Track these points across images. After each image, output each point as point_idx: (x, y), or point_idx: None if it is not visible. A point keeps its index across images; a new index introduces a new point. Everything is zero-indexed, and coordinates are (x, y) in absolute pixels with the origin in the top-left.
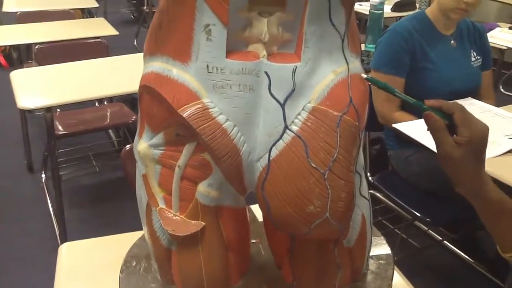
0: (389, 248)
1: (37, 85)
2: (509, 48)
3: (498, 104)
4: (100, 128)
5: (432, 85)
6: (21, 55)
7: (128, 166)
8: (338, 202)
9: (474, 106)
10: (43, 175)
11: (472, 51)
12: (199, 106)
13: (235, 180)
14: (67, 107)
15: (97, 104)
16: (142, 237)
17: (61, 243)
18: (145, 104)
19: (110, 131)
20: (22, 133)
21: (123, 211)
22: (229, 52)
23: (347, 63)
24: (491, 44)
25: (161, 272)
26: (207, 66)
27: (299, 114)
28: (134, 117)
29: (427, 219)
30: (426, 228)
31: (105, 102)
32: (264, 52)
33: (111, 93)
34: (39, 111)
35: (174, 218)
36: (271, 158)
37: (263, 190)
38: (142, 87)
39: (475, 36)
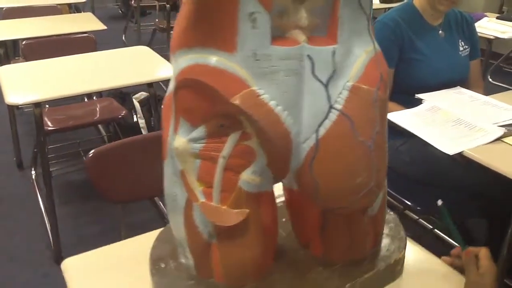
0: (392, 212)
1: (25, 81)
2: (496, 38)
3: (486, 94)
4: (90, 124)
5: (421, 75)
6: (8, 51)
7: (92, 171)
8: (379, 170)
9: (463, 95)
10: (33, 172)
11: (460, 40)
12: (251, 93)
13: (281, 164)
14: (56, 103)
15: (86, 99)
16: (160, 238)
17: (53, 240)
18: (183, 99)
19: (100, 126)
20: (10, 130)
21: (114, 206)
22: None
23: (373, 43)
24: (479, 34)
25: (199, 267)
26: (254, 54)
27: (340, 93)
28: (123, 112)
29: (418, 208)
30: (417, 217)
31: (94, 97)
32: (304, 37)
33: (100, 87)
34: (27, 107)
35: (218, 209)
36: (318, 138)
37: (311, 169)
38: (182, 81)
39: (463, 25)
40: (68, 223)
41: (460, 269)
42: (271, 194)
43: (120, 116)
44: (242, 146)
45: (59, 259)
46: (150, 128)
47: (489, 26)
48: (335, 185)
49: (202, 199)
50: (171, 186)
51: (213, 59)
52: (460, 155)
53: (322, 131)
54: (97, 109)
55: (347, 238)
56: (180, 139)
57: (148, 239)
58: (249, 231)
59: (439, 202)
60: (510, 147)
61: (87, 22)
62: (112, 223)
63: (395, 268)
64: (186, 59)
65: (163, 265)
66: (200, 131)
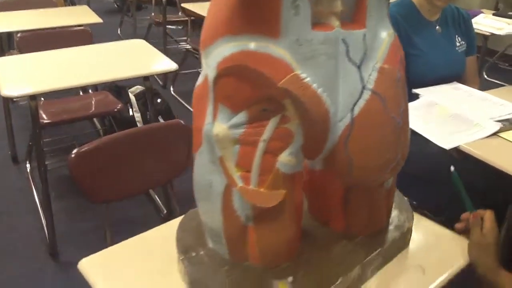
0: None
1: (20, 74)
2: (492, 34)
3: (482, 90)
4: (85, 117)
5: (417, 71)
6: (3, 44)
7: (76, 171)
8: (404, 145)
9: (459, 91)
10: (27, 166)
11: (457, 36)
12: (296, 77)
13: (318, 144)
14: (51, 96)
15: (81, 93)
16: (183, 228)
17: (48, 234)
18: (226, 86)
19: (95, 120)
20: (5, 123)
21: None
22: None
23: (392, 27)
24: (475, 31)
25: (233, 251)
26: (297, 40)
27: (370, 74)
28: (119, 105)
29: (414, 202)
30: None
31: (89, 91)
32: (338, 22)
33: (96, 80)
34: (22, 101)
35: (257, 192)
36: (354, 116)
37: (346, 147)
38: (226, 68)
39: (459, 21)
40: (63, 217)
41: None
42: (302, 174)
43: (115, 110)
44: (281, 129)
45: (54, 253)
46: (146, 121)
47: (485, 23)
48: (368, 160)
49: (240, 183)
50: (206, 174)
51: (260, 45)
52: (457, 149)
53: (356, 110)
54: (93, 102)
55: (367, 211)
56: (220, 125)
57: (160, 232)
58: (285, 211)
59: (452, 169)
60: (506, 142)
61: (83, 15)
62: (110, 215)
63: (407, 236)
64: (230, 47)
65: (193, 254)
66: (241, 117)
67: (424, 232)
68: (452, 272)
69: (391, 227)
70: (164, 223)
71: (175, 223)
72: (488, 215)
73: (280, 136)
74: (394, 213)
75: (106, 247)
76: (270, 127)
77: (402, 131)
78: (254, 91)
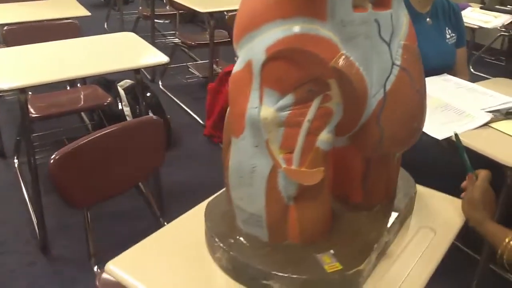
0: None
1: (8, 67)
2: (480, 27)
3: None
4: (74, 111)
5: None
6: None
7: (58, 176)
8: (424, 114)
9: (449, 82)
10: (15, 161)
11: (447, 28)
12: (344, 57)
13: (354, 120)
14: (39, 91)
15: (68, 88)
16: (210, 219)
17: (38, 228)
18: (275, 69)
19: (83, 115)
20: None
21: None
22: None
23: (406, 8)
24: None
25: (273, 233)
26: (342, 21)
27: (397, 51)
28: (109, 99)
29: None
30: None
31: (78, 85)
32: (370, 4)
33: (86, 73)
34: (8, 95)
35: (301, 172)
36: (386, 91)
37: (378, 120)
38: (277, 52)
39: (450, 14)
40: (53, 212)
41: None
42: (333, 151)
43: (105, 104)
44: (323, 109)
45: (45, 247)
46: (135, 115)
47: (473, 16)
48: (398, 131)
49: (284, 165)
50: (249, 159)
51: (311, 28)
52: (448, 140)
53: (388, 85)
54: (81, 96)
55: (384, 181)
56: (268, 109)
57: (181, 224)
58: (323, 187)
59: (454, 131)
60: (497, 132)
61: (70, 8)
62: (97, 211)
63: (413, 202)
64: (282, 30)
65: (232, 240)
66: (288, 99)
67: (425, 198)
68: (458, 230)
69: (400, 194)
70: (178, 218)
71: (188, 216)
72: (482, 174)
73: (322, 116)
74: (400, 181)
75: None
76: (313, 107)
77: (425, 101)
78: (304, 73)
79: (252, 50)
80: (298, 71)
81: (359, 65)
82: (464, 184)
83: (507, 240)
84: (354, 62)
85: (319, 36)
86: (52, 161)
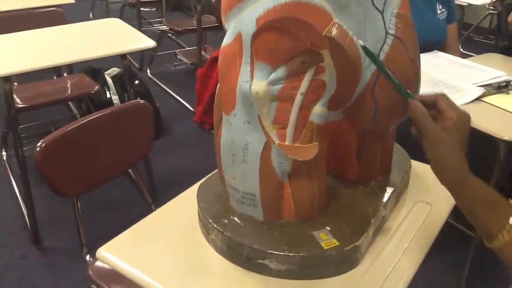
0: None
1: None
2: (469, 5)
3: None
4: (61, 100)
5: None
6: None
7: (45, 165)
8: (419, 84)
9: (441, 59)
10: (3, 153)
11: (437, 4)
12: (337, 25)
13: (349, 92)
14: (24, 81)
15: (55, 77)
16: (203, 200)
17: (29, 220)
18: (266, 40)
19: (71, 104)
20: None
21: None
22: None
23: None
24: None
25: (268, 210)
26: None
27: (390, 19)
28: (96, 87)
29: None
30: None
31: (64, 75)
32: None
33: (72, 60)
34: None
35: (295, 147)
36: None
37: (373, 92)
38: (268, 22)
39: None
40: (44, 203)
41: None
42: (327, 125)
43: (92, 92)
44: (316, 81)
45: (37, 240)
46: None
47: None
48: (392, 103)
49: (277, 140)
50: (240, 137)
51: None
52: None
53: (382, 55)
54: (68, 85)
55: (379, 156)
56: (259, 83)
57: (172, 207)
58: (318, 163)
59: (361, 42)
60: (489, 106)
61: None
62: (88, 201)
63: (408, 176)
64: (271, 0)
65: (226, 221)
66: (280, 72)
67: (420, 173)
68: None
69: (395, 169)
70: (169, 201)
71: (179, 200)
72: (443, 101)
73: (315, 88)
74: (394, 156)
75: (88, 233)
76: (306, 79)
77: (419, 71)
78: (296, 43)
79: (241, 22)
80: (290, 42)
81: (352, 35)
82: (414, 129)
83: (511, 220)
84: (347, 31)
85: (311, 5)
86: (38, 149)
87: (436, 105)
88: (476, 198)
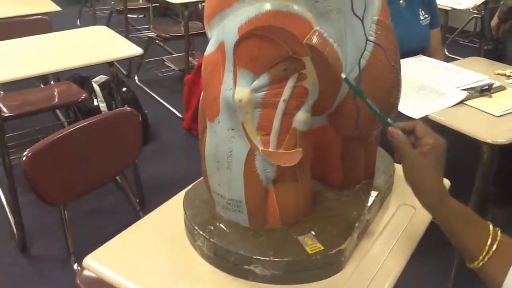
0: None
1: None
2: (453, 9)
3: None
4: (49, 108)
5: None
6: None
7: (32, 174)
8: (400, 90)
9: (425, 63)
10: None
11: (420, 9)
12: (318, 33)
13: (330, 99)
14: (11, 89)
15: (42, 85)
16: (190, 207)
17: (16, 229)
18: (248, 49)
19: (59, 112)
20: None
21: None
22: None
23: None
24: None
25: (253, 217)
26: None
27: (370, 26)
28: (83, 95)
29: None
30: None
31: (51, 82)
32: None
33: (59, 68)
34: None
35: (279, 153)
36: (361, 68)
37: (355, 98)
38: (250, 30)
39: None
40: (31, 211)
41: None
42: (311, 131)
43: (80, 100)
44: (298, 88)
45: (24, 248)
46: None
47: None
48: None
49: (261, 147)
50: (226, 143)
51: (283, 4)
52: (425, 119)
53: (363, 62)
54: (55, 93)
55: (363, 160)
56: (243, 90)
57: (159, 214)
58: (303, 168)
59: (343, 76)
60: (473, 109)
61: (40, 4)
62: (77, 208)
63: (392, 180)
64: (253, 8)
65: (212, 228)
66: (262, 79)
67: (402, 176)
68: None
69: (379, 173)
70: (156, 209)
71: (166, 207)
72: (422, 129)
73: (297, 95)
74: (378, 159)
75: (76, 241)
76: (288, 86)
77: (400, 77)
78: (278, 51)
79: (223, 31)
80: (272, 50)
81: (333, 42)
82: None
83: (489, 242)
84: (328, 38)
85: (291, 13)
86: (25, 158)
87: (414, 132)
88: (455, 219)
